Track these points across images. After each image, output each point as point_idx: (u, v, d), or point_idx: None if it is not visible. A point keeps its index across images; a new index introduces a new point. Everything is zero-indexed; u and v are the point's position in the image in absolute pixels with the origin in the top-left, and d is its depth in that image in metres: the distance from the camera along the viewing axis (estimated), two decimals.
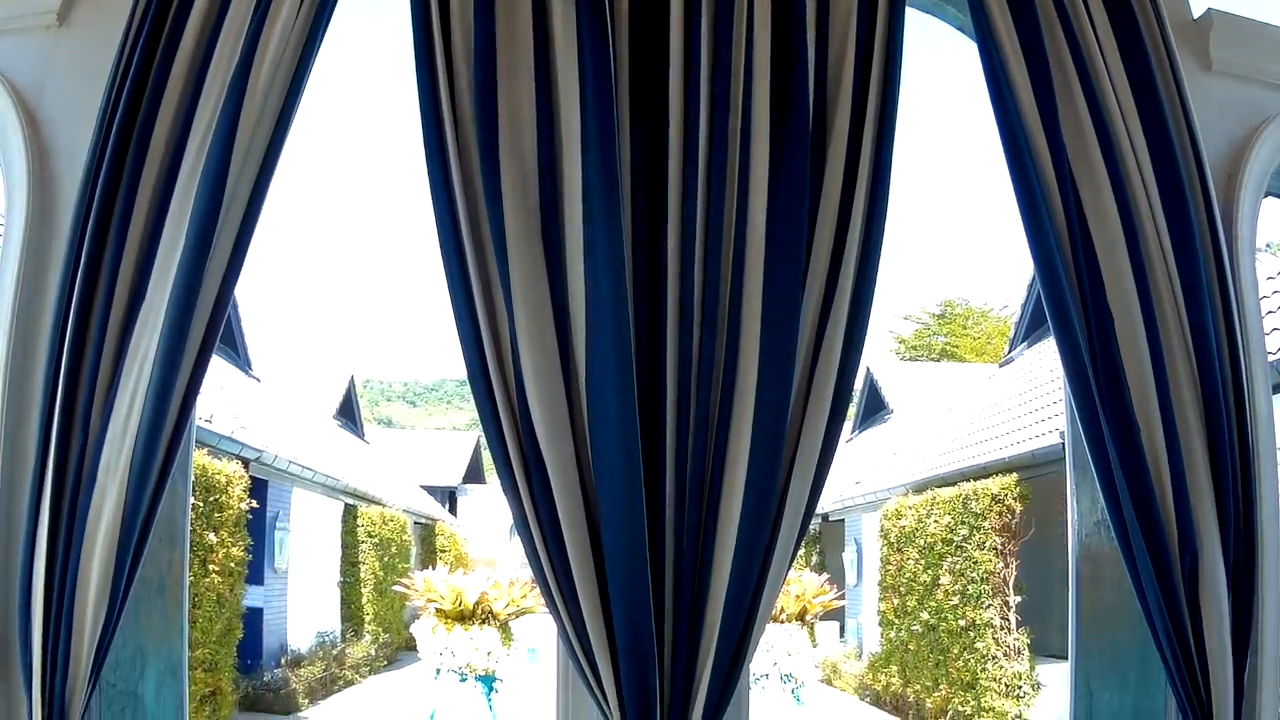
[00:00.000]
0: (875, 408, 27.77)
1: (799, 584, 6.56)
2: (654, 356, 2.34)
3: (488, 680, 6.40)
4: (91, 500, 2.40)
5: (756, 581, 2.33)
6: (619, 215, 2.32)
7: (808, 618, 6.58)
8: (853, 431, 29.16)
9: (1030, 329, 19.41)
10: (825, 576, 7.00)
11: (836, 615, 20.39)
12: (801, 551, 19.22)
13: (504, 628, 6.46)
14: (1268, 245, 11.07)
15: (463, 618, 6.38)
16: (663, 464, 2.31)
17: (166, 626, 2.99)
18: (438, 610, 6.44)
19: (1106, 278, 2.60)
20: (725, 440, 2.32)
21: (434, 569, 6.81)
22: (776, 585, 2.37)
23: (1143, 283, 2.59)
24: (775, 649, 6.45)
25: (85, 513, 2.40)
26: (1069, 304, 2.59)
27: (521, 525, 2.35)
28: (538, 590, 6.22)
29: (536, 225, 2.36)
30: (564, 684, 2.60)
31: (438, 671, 6.49)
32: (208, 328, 2.46)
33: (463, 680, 6.36)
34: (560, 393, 2.31)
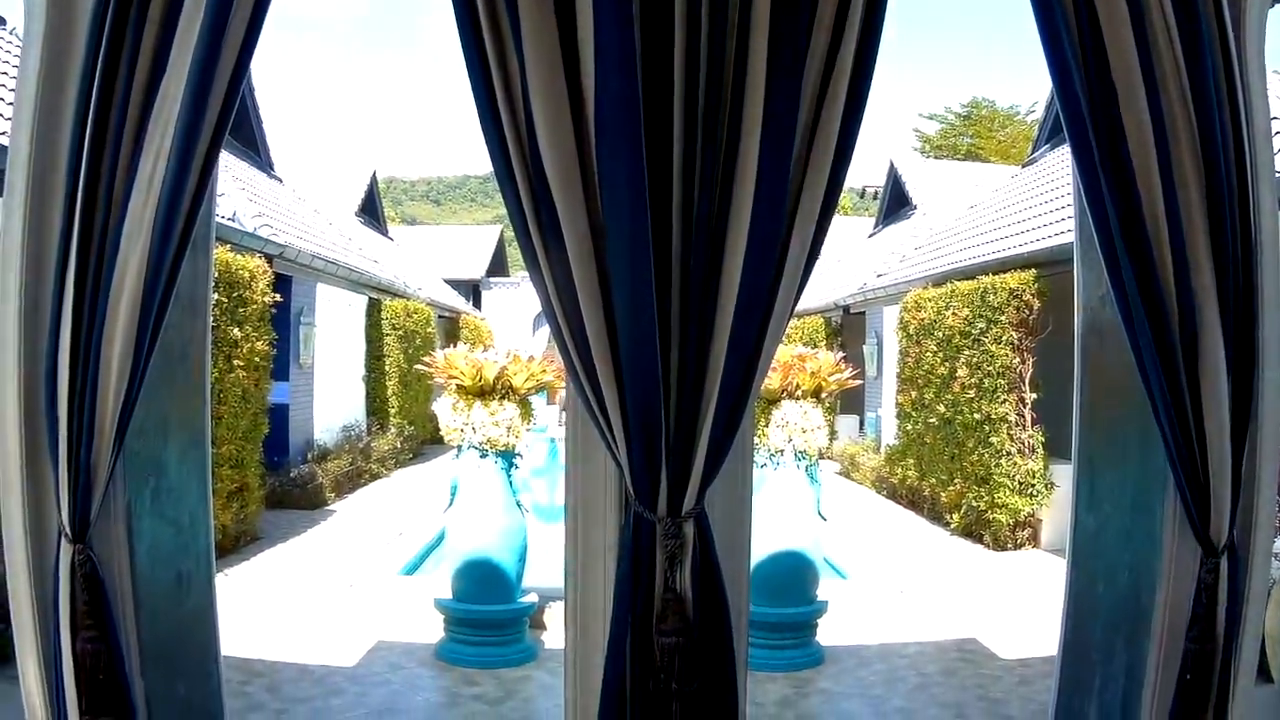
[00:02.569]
0: (899, 203, 27.54)
1: (814, 361, 6.57)
2: (662, 120, 2.31)
3: (507, 456, 6.57)
4: (115, 265, 2.47)
5: (760, 323, 2.38)
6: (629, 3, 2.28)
7: (823, 395, 6.62)
8: (876, 226, 29.02)
9: (1055, 130, 18.96)
10: (841, 354, 7.04)
11: (856, 408, 20.69)
12: (823, 343, 19.30)
13: (523, 403, 6.59)
14: None
15: (483, 393, 6.49)
16: (669, 217, 2.33)
17: (189, 395, 3.08)
18: (458, 387, 6.56)
19: (1110, 55, 2.56)
20: (730, 191, 2.33)
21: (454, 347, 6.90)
22: (778, 330, 2.43)
23: (1145, 56, 2.55)
24: (790, 425, 6.52)
25: (109, 278, 2.47)
26: (1073, 72, 2.57)
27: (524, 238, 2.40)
28: (557, 365, 6.32)
29: (553, 19, 2.32)
30: (573, 426, 2.67)
31: (459, 449, 6.66)
32: (226, 94, 2.51)
33: (483, 456, 6.53)
34: (572, 148, 2.32)
